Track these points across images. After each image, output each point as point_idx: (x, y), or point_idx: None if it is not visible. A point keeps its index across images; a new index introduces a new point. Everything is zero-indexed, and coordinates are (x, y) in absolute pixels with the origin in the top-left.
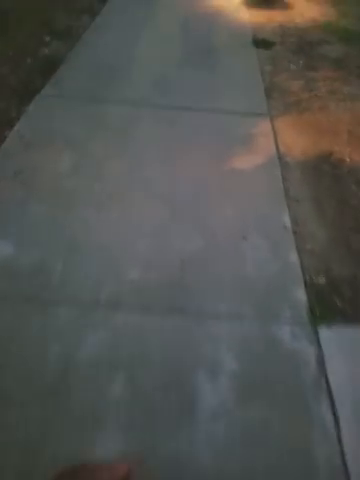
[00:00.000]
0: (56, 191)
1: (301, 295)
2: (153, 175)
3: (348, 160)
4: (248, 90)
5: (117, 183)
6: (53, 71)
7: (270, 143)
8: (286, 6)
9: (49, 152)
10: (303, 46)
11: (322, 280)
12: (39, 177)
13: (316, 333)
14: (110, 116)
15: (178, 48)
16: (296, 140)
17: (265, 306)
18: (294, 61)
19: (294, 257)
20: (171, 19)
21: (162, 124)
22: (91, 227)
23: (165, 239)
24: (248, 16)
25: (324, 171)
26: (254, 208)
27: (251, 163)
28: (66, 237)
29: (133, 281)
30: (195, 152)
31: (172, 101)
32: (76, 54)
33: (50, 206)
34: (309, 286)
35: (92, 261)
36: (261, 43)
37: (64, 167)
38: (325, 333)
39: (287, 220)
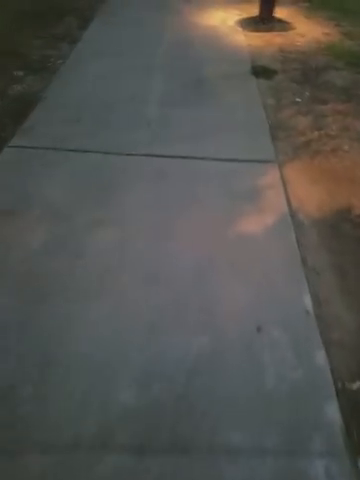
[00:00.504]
0: (27, 275)
1: (333, 412)
2: (146, 248)
3: None
4: (251, 130)
5: (102, 262)
6: (25, 115)
7: (280, 197)
8: (285, 27)
9: (18, 222)
10: (307, 73)
11: (357, 386)
12: (4, 257)
13: (355, 466)
14: (93, 171)
15: (169, 80)
16: (309, 192)
17: (289, 433)
18: (299, 92)
19: (320, 356)
20: (160, 44)
21: (153, 178)
22: (70, 329)
23: (164, 341)
24: (244, 39)
25: (344, 232)
26: (268, 286)
27: (260, 225)
28: (38, 345)
29: (125, 407)
30: (194, 214)
31: (164, 148)
32: (53, 92)
33: (18, 299)
34: (342, 397)
35: (72, 380)
36: (261, 72)
37: (37, 243)
38: None
39: (308, 301)
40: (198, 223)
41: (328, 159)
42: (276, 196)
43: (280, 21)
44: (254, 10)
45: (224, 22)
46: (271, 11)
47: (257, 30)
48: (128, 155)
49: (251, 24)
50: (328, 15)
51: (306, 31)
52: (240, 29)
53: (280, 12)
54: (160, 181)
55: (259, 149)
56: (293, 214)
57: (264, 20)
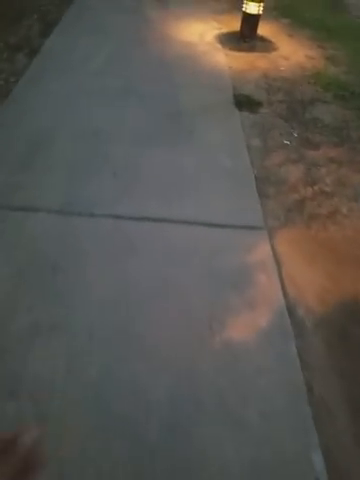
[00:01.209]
0: None
1: None
2: (102, 372)
3: None
4: (235, 183)
5: (42, 403)
6: None
7: (273, 284)
8: (268, 46)
9: None
10: (294, 107)
11: None
12: None
13: None
14: (39, 243)
15: (140, 110)
16: (308, 275)
17: None
18: (287, 132)
19: None
20: (131, 61)
21: (118, 255)
22: None
23: None
24: (225, 60)
25: (356, 339)
26: (267, 440)
27: (250, 329)
28: None
29: None
30: (169, 312)
31: (133, 207)
32: (0, 122)
33: None
34: None
35: None
36: (245, 103)
37: None
38: None
39: (319, 465)
40: (174, 329)
41: (326, 226)
42: (269, 282)
43: (262, 39)
44: (235, 23)
45: (203, 37)
46: (254, 30)
47: (238, 49)
48: (89, 216)
49: (232, 41)
50: (310, 34)
51: (289, 53)
52: (220, 46)
53: (262, 28)
54: (127, 259)
55: (245, 210)
56: (291, 309)
57: (246, 38)
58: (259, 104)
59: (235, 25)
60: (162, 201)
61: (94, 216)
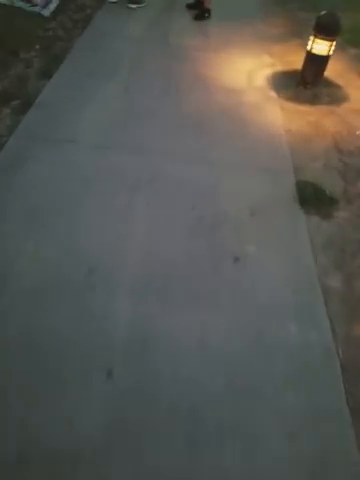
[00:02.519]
0: None
1: None
2: None
3: None
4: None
5: None
6: None
7: None
8: (336, 94)
9: None
10: None
11: None
12: None
13: None
14: None
15: (154, 222)
16: None
17: None
18: None
19: None
20: (149, 127)
21: None
22: None
23: None
24: (281, 117)
25: None
26: None
27: None
28: None
29: None
30: None
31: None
32: None
33: None
34: None
35: None
36: (312, 199)
37: None
38: None
39: None
40: None
41: None
42: None
43: (327, 82)
44: (292, 57)
45: (251, 78)
46: (319, 75)
47: (298, 99)
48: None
49: (289, 85)
50: None
51: None
52: (274, 94)
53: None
54: None
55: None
56: None
57: (308, 84)
58: (333, 201)
59: (292, 60)
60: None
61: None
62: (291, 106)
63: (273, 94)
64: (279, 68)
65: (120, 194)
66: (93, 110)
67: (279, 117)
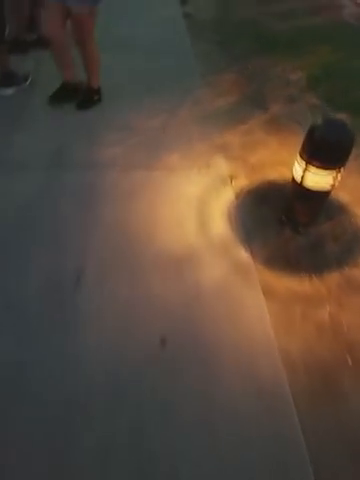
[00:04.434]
0: None
1: None
2: None
3: None
4: None
5: None
6: None
7: None
8: (354, 237)
9: None
10: None
11: None
12: None
13: None
14: None
15: None
16: None
17: None
18: None
19: None
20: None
21: None
22: None
23: None
24: (267, 320)
25: None
26: None
27: None
28: None
29: None
30: None
31: None
32: None
33: None
34: None
35: None
36: None
37: None
38: None
39: None
40: None
41: None
42: None
43: (334, 211)
44: (258, 152)
45: (203, 222)
46: (319, 209)
47: (287, 262)
48: None
49: (267, 225)
50: None
51: None
52: (245, 254)
53: None
54: None
55: None
56: None
57: (299, 227)
58: None
59: (262, 160)
60: None
61: None
62: (279, 283)
63: (244, 255)
64: (244, 183)
65: None
66: None
67: (264, 322)
